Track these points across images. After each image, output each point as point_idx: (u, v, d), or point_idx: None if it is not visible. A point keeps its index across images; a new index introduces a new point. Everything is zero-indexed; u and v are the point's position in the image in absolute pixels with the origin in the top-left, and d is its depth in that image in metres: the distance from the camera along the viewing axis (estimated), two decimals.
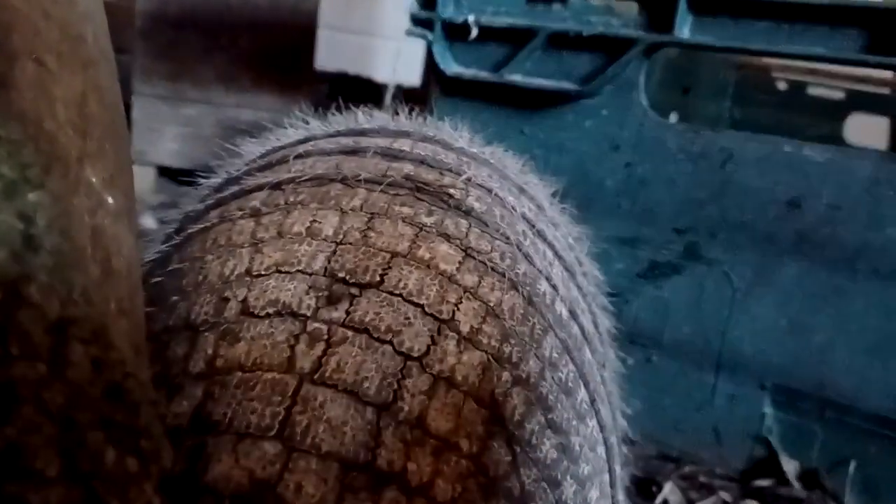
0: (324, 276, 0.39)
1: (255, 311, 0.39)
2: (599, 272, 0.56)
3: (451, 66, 0.94)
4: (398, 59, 1.86)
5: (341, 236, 0.41)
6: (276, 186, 0.46)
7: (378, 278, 0.39)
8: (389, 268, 0.40)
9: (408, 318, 0.38)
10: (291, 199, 0.45)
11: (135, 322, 0.33)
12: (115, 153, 0.37)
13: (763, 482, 0.82)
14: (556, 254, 0.48)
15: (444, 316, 0.39)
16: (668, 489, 0.81)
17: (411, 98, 0.96)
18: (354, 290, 0.39)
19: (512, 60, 0.91)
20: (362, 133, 0.52)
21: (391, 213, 0.42)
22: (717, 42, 0.80)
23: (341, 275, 0.39)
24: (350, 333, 0.37)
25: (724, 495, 0.81)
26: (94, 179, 0.33)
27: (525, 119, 0.92)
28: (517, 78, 0.90)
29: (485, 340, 0.39)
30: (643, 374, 0.89)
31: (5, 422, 0.24)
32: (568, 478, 0.40)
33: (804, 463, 0.81)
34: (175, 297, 0.41)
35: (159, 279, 0.43)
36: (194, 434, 0.35)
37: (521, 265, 0.43)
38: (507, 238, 0.44)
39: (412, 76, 2.00)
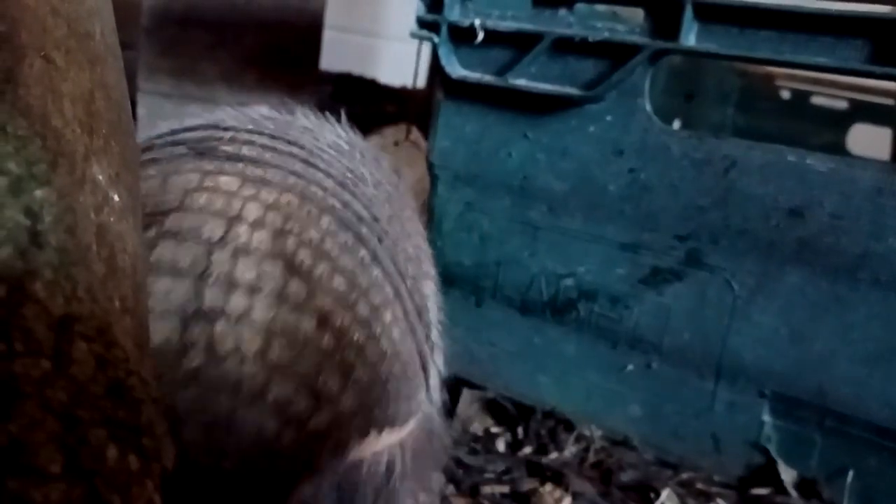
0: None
1: None
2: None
3: (457, 70, 0.95)
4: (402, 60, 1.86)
5: (145, 190, 0.54)
6: None
7: (177, 204, 0.54)
8: (185, 197, 0.54)
9: (205, 221, 0.53)
10: None
11: (138, 320, 0.33)
12: (120, 150, 0.37)
13: (761, 490, 0.82)
14: (327, 171, 0.61)
15: (233, 214, 0.53)
16: (666, 495, 0.81)
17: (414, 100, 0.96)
18: (161, 217, 0.53)
19: (517, 65, 0.91)
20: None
21: (180, 170, 0.57)
22: (722, 50, 0.80)
23: (148, 210, 0.53)
24: (163, 240, 0.52)
25: (722, 503, 0.81)
26: (100, 176, 0.33)
27: (529, 123, 0.92)
28: (522, 82, 0.90)
29: (269, 222, 0.54)
30: (643, 379, 0.89)
31: (8, 418, 0.24)
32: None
33: (802, 472, 0.81)
34: None
35: None
36: None
37: (292, 178, 0.57)
38: (278, 166, 0.58)
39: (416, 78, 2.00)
